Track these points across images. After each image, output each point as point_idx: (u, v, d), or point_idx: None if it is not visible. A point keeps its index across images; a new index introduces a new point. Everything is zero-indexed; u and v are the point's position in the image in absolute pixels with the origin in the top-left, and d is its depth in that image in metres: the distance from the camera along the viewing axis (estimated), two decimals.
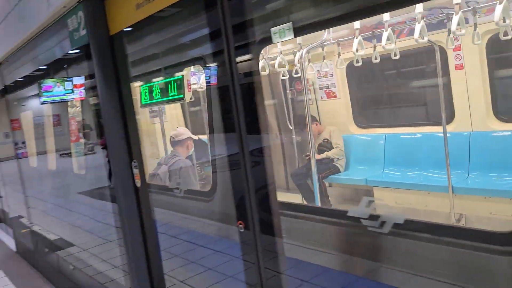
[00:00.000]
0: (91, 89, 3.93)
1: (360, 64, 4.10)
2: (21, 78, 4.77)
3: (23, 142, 6.26)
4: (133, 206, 2.84)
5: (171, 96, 3.51)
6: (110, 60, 2.75)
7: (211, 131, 3.08)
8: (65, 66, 4.18)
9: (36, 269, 5.12)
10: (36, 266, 5.13)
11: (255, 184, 1.93)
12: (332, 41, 4.23)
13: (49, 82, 4.17)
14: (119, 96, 2.78)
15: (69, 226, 5.02)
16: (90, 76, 3.69)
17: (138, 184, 2.81)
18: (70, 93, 4.10)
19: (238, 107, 1.86)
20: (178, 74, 2.65)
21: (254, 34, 1.91)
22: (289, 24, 1.86)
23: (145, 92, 3.08)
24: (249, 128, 1.87)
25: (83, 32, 2.75)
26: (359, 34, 3.71)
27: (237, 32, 1.88)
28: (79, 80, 4.04)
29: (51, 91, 4.12)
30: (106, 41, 2.71)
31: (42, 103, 4.23)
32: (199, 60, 2.76)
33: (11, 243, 6.50)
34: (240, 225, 1.98)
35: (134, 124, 2.80)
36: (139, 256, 2.92)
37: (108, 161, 4.45)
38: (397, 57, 3.77)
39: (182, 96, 3.67)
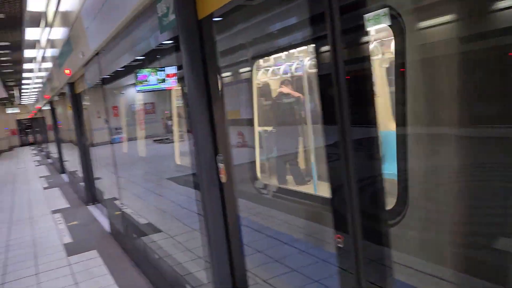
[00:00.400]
0: (180, 79, 4.03)
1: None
2: (117, 67, 4.90)
3: (120, 128, 6.57)
4: (217, 203, 2.68)
5: None
6: (197, 46, 2.58)
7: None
8: (157, 55, 4.19)
9: (126, 252, 5.30)
10: (126, 250, 5.32)
11: (359, 187, 1.61)
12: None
13: (144, 71, 4.36)
14: (206, 86, 2.62)
15: (156, 211, 5.12)
16: (179, 67, 3.94)
17: (223, 179, 2.63)
18: (162, 82, 4.27)
19: (342, 96, 1.55)
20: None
21: (362, 18, 1.59)
22: (386, 10, 1.72)
23: None
24: (355, 119, 1.56)
25: (171, 16, 2.61)
26: None
27: (344, 14, 1.56)
28: (171, 70, 4.20)
29: (146, 81, 4.32)
30: (194, 25, 2.54)
31: (138, 91, 4.38)
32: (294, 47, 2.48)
33: (105, 224, 6.88)
34: (339, 239, 1.68)
35: (221, 116, 2.62)
36: (222, 253, 2.76)
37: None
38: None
39: None
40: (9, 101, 29.92)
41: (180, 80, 4.24)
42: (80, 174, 9.20)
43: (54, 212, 8.32)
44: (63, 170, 13.89)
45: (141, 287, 4.26)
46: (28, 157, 23.66)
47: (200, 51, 2.59)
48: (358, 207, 1.58)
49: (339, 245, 1.68)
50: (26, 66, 14.60)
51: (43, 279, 4.78)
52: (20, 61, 13.97)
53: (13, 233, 7.00)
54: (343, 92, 1.55)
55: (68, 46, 6.69)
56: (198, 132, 2.64)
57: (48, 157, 19.81)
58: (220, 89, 2.61)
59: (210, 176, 2.65)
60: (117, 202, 5.93)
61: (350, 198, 1.59)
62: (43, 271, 5.04)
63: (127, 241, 5.27)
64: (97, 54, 5.02)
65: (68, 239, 6.30)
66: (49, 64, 10.28)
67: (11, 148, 32.52)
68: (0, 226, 7.62)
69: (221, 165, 2.62)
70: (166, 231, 4.60)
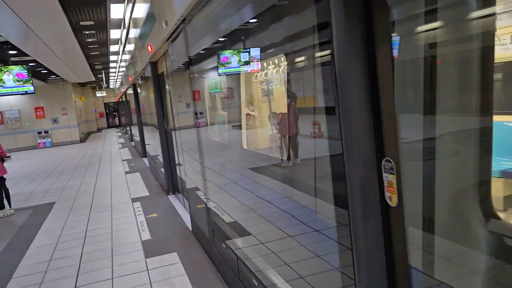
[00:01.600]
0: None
1: None
2: (205, 45, 4.07)
3: (201, 113, 5.92)
4: (378, 240, 1.62)
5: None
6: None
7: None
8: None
9: (212, 261, 4.48)
10: (212, 258, 4.49)
11: None
12: None
13: (226, 53, 4.12)
14: (369, 60, 1.56)
15: (244, 210, 4.20)
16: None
17: (392, 201, 1.57)
18: (245, 65, 4.08)
19: None
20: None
21: None
22: None
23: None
24: None
25: None
26: None
27: None
28: (255, 52, 3.98)
29: (228, 63, 4.11)
30: None
31: (220, 74, 4.10)
32: None
33: (186, 219, 6.19)
34: None
35: (391, 102, 1.54)
36: None
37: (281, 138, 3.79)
38: None
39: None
40: (98, 84, 31.35)
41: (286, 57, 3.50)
42: (160, 159, 8.70)
43: (134, 200, 7.86)
44: (144, 154, 13.75)
45: None
46: (113, 139, 24.47)
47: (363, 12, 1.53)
48: None
49: None
50: (112, 48, 14.59)
51: (119, 286, 4.11)
52: (105, 43, 13.95)
53: (92, 223, 6.58)
54: None
55: (150, 20, 6.00)
56: (350, 122, 1.59)
57: (131, 140, 20.16)
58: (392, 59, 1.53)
59: (368, 194, 1.60)
60: (199, 193, 5.16)
61: None
62: (118, 275, 4.38)
63: (212, 246, 4.44)
64: (183, 21, 4.15)
65: (146, 235, 5.67)
66: (132, 46, 9.89)
67: (99, 130, 34.34)
68: (82, 213, 7.29)
69: (390, 177, 1.55)
70: (259, 237, 3.68)
